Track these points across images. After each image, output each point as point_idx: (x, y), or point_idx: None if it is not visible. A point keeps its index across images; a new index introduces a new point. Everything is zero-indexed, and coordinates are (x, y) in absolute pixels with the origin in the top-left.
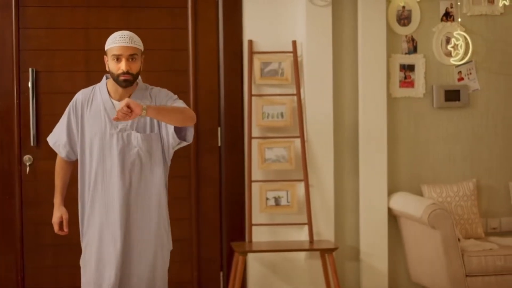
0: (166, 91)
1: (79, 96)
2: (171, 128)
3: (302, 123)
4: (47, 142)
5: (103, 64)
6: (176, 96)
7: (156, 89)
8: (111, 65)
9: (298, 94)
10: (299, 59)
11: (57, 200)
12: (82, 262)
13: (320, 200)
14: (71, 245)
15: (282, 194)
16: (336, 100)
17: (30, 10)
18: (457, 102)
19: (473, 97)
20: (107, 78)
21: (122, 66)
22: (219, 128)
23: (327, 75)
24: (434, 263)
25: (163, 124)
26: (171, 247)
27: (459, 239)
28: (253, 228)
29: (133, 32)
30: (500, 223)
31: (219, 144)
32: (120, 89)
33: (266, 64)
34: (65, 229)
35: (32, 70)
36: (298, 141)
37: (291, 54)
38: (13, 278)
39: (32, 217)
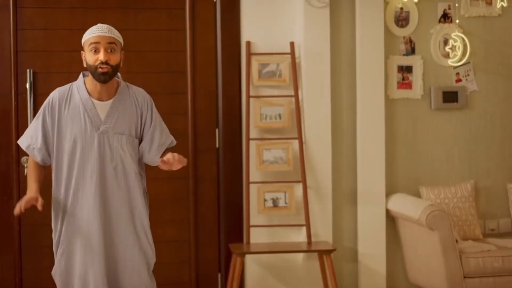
0: (144, 95)
1: (55, 94)
2: (154, 148)
3: (300, 124)
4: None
5: None
6: (157, 119)
7: (134, 88)
8: (89, 57)
9: (296, 95)
10: (297, 60)
11: (33, 188)
12: (55, 272)
13: (318, 202)
14: None
15: (280, 195)
16: (334, 101)
17: (28, 11)
18: (455, 103)
19: (471, 99)
20: (84, 75)
21: (101, 56)
22: (217, 130)
23: (325, 76)
24: (432, 265)
25: (147, 133)
26: (154, 259)
27: (457, 241)
28: (251, 229)
29: (132, 34)
30: (498, 224)
31: (217, 145)
32: (99, 86)
33: (264, 65)
34: (39, 207)
35: (30, 71)
36: (296, 143)
37: (289, 56)
38: (11, 279)
39: (30, 218)
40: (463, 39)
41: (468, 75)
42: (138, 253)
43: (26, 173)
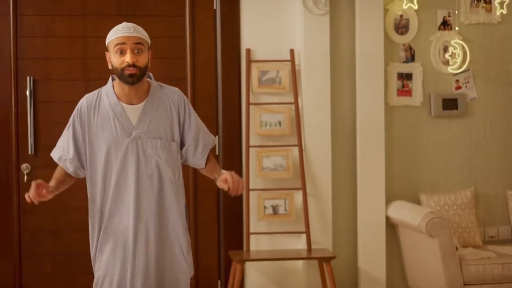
0: (180, 95)
1: (83, 102)
2: (200, 150)
3: (300, 131)
4: (45, 151)
5: (101, 72)
6: (196, 119)
7: (169, 88)
8: (114, 59)
9: (296, 102)
10: (297, 67)
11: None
12: (96, 285)
13: (318, 209)
14: (68, 253)
15: (280, 202)
16: (334, 108)
17: (28, 19)
18: (454, 110)
19: (470, 106)
20: (113, 79)
21: (127, 58)
22: (217, 137)
23: (325, 83)
24: (432, 272)
25: (189, 135)
26: (192, 273)
27: (457, 248)
28: (251, 236)
29: None
30: (498, 231)
31: (217, 153)
32: (127, 89)
33: (264, 72)
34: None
35: (30, 79)
36: (296, 150)
37: (289, 63)
38: (10, 285)
39: (30, 225)
40: (463, 46)
41: (468, 82)
42: (172, 269)
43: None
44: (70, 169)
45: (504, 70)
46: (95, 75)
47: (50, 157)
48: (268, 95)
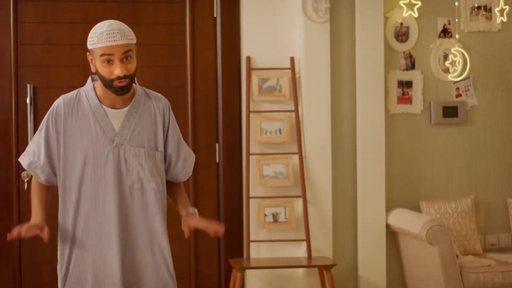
0: (165, 101)
1: (60, 102)
2: (180, 162)
3: (300, 139)
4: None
5: None
6: (178, 129)
7: (153, 93)
8: (101, 67)
9: (296, 110)
10: (297, 75)
11: (39, 216)
12: None
13: (318, 217)
14: None
15: (280, 210)
16: (334, 116)
17: (28, 26)
18: (455, 118)
19: (471, 114)
20: (93, 79)
21: (117, 70)
22: (217, 144)
23: (325, 91)
24: (433, 280)
25: (171, 144)
26: (176, 286)
27: (457, 256)
28: (251, 244)
29: None
30: (498, 239)
31: (217, 160)
32: (113, 95)
33: (264, 80)
34: (45, 238)
35: (30, 86)
36: (296, 158)
37: (289, 71)
38: None
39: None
40: (463, 54)
41: (468, 90)
42: (157, 285)
43: (31, 195)
44: (41, 177)
45: (504, 78)
46: None
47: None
48: (268, 102)
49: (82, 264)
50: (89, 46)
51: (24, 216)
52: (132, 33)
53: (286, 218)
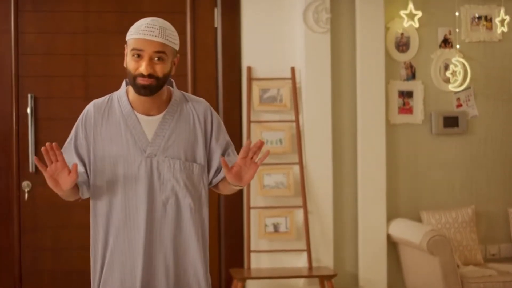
0: (206, 107)
1: (90, 108)
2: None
3: (300, 149)
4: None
5: (102, 90)
6: (226, 136)
7: (194, 98)
8: (129, 61)
9: (297, 120)
10: (297, 85)
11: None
12: None
13: (319, 227)
14: (69, 271)
15: (281, 220)
16: (334, 126)
17: (29, 37)
18: (455, 128)
19: (471, 124)
20: (127, 83)
21: (142, 67)
22: None
23: (326, 101)
24: None
25: (217, 155)
26: None
27: (458, 266)
28: (252, 254)
29: None
30: (499, 249)
31: None
32: (143, 98)
33: (264, 90)
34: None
35: (31, 96)
36: (297, 168)
37: (290, 81)
38: None
39: (31, 243)
40: (464, 64)
41: (469, 100)
42: None
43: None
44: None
45: (505, 88)
46: (96, 92)
47: None
48: (269, 113)
49: (111, 271)
50: (127, 37)
51: (24, 225)
52: (176, 38)
53: (287, 228)
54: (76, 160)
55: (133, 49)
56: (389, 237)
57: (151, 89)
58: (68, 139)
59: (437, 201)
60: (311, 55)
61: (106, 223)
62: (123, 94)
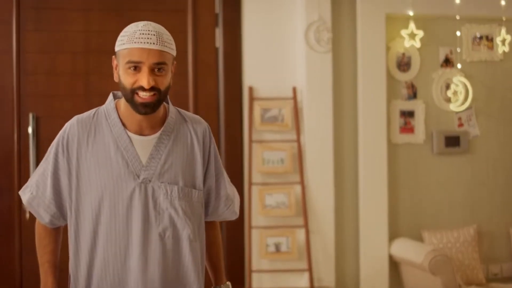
0: (205, 126)
1: (73, 124)
2: (223, 200)
3: (302, 169)
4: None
5: None
6: (219, 161)
7: (190, 115)
8: (124, 76)
9: (298, 140)
10: (299, 105)
11: (48, 280)
12: None
13: (320, 246)
14: None
15: (282, 240)
16: (336, 146)
17: (30, 56)
18: (457, 148)
19: (473, 143)
20: (116, 96)
21: (142, 80)
22: None
23: (327, 121)
24: None
25: (212, 179)
26: None
27: (460, 285)
28: (253, 274)
29: None
30: (501, 269)
31: None
32: (138, 115)
33: (266, 110)
34: None
35: (32, 115)
36: (298, 187)
37: (291, 100)
38: None
39: (32, 263)
40: (465, 84)
41: (470, 119)
42: None
43: (36, 245)
44: (44, 218)
45: (507, 107)
46: None
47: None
48: (270, 132)
49: None
50: (116, 47)
51: (25, 245)
52: (173, 43)
53: (288, 248)
54: (49, 181)
55: (128, 62)
56: (390, 257)
57: (153, 106)
58: (45, 158)
59: (439, 221)
60: (312, 75)
61: (89, 260)
62: (112, 109)
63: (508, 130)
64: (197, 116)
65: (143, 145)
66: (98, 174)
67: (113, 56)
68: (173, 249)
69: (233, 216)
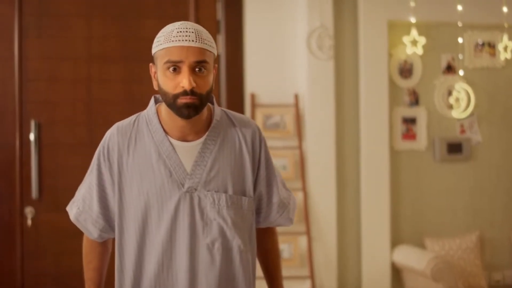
0: (254, 128)
1: (113, 134)
2: (275, 207)
3: (304, 176)
4: (49, 194)
5: (105, 116)
6: (272, 165)
7: (238, 117)
8: (164, 79)
9: (300, 147)
10: (301, 112)
11: None
12: None
13: (322, 253)
14: None
15: (284, 247)
16: (338, 153)
17: (32, 63)
18: (459, 154)
19: (475, 150)
20: (157, 101)
21: (183, 81)
22: None
23: (329, 128)
24: None
25: (262, 185)
26: None
27: None
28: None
29: (136, 86)
30: (504, 276)
31: None
32: (179, 120)
33: (268, 117)
34: None
35: (34, 122)
36: (300, 194)
37: (293, 107)
38: None
39: (33, 269)
40: (467, 91)
41: (472, 126)
42: None
43: (83, 260)
44: (93, 233)
45: (509, 114)
46: (99, 118)
47: (54, 201)
48: (272, 139)
49: None
50: (153, 50)
51: (27, 252)
52: (213, 41)
53: (290, 254)
54: (95, 196)
55: (167, 62)
56: (393, 264)
57: (196, 107)
58: (89, 171)
59: (441, 228)
60: (314, 82)
61: (134, 276)
62: (153, 115)
63: (510, 136)
64: (246, 117)
65: (187, 151)
66: (140, 184)
67: (150, 64)
68: (223, 261)
69: (288, 223)
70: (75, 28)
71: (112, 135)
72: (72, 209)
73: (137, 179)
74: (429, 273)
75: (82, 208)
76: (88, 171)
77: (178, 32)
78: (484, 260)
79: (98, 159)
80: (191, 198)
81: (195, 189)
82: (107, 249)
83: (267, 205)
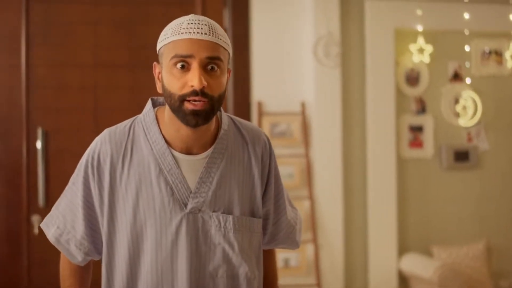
0: (265, 140)
1: (105, 143)
2: (283, 227)
3: (311, 184)
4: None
5: (112, 123)
6: (280, 181)
7: (246, 126)
8: (169, 78)
9: (307, 155)
10: (308, 120)
11: None
12: None
13: (329, 261)
14: None
15: (291, 255)
16: (345, 161)
17: (39, 70)
18: (466, 162)
19: (482, 158)
20: (156, 104)
21: (193, 79)
22: None
23: (336, 135)
24: None
25: (270, 203)
26: None
27: None
28: None
29: (143, 94)
30: (511, 284)
31: None
32: (185, 129)
33: (275, 125)
34: None
35: (41, 130)
36: (307, 202)
37: (300, 115)
38: None
39: (39, 277)
40: (474, 99)
41: (479, 134)
42: None
43: (61, 284)
44: (77, 257)
45: None
46: (106, 126)
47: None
48: (279, 147)
49: None
50: (158, 45)
51: (33, 260)
52: (228, 39)
53: (297, 263)
54: (80, 214)
55: (174, 57)
56: (400, 272)
57: (206, 114)
58: (71, 183)
59: (448, 236)
60: (321, 90)
61: None
62: (151, 122)
63: None
64: (255, 126)
65: (191, 166)
66: (136, 204)
67: (154, 63)
68: None
69: (293, 246)
70: (81, 36)
71: (103, 143)
72: (49, 228)
73: (132, 198)
74: (436, 281)
75: (63, 227)
76: (70, 183)
77: (188, 23)
78: (491, 268)
79: (85, 171)
80: (194, 220)
81: (199, 210)
82: (88, 272)
83: (274, 224)
